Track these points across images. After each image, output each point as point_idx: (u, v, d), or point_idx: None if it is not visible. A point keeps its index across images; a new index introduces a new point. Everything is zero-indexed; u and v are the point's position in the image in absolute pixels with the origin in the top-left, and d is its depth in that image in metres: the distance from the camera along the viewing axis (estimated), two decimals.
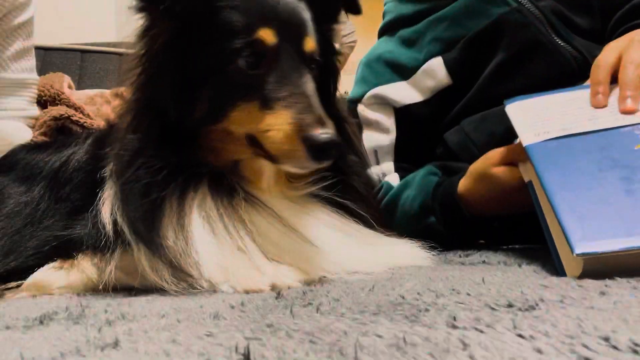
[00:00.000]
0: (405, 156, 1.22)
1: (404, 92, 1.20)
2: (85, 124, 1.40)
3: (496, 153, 0.87)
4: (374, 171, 1.21)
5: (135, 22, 0.71)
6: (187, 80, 0.69)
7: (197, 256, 0.66)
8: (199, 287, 0.66)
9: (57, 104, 1.44)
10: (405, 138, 1.21)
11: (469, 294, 0.50)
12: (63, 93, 1.47)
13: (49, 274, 0.72)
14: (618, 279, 0.55)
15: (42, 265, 0.73)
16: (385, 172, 1.22)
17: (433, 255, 0.87)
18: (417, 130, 1.20)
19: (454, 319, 0.39)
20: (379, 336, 0.36)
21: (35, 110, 1.44)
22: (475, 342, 0.33)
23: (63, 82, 1.57)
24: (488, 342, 0.33)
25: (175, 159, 0.69)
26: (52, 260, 0.73)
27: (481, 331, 0.36)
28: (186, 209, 0.68)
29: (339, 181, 0.80)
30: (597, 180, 0.61)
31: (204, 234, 0.67)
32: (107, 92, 1.74)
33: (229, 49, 0.66)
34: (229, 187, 0.72)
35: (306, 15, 0.73)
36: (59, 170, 0.87)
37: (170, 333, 0.41)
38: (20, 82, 1.41)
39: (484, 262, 0.84)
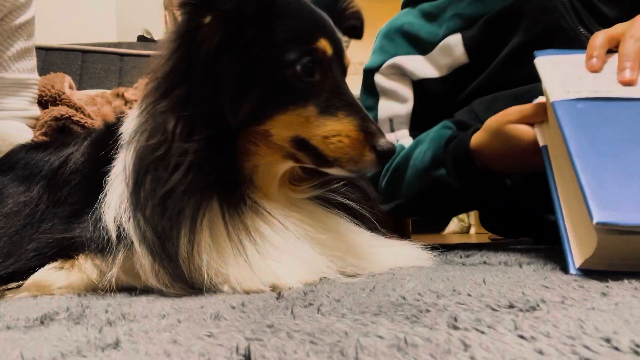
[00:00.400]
0: (420, 127, 1.21)
1: (421, 67, 1.20)
2: (86, 124, 1.40)
3: (514, 110, 0.84)
4: (388, 139, 1.20)
5: (175, 21, 0.70)
6: (236, 81, 0.68)
7: (200, 259, 0.66)
8: (198, 288, 0.66)
9: (57, 104, 1.45)
10: (422, 109, 1.21)
11: (469, 295, 0.50)
12: (64, 93, 1.48)
13: (50, 274, 0.72)
14: (619, 280, 0.55)
15: (43, 266, 0.73)
16: (399, 138, 1.22)
17: (434, 255, 0.87)
18: (432, 104, 1.19)
19: (455, 319, 0.39)
20: (380, 337, 0.36)
21: (36, 111, 1.45)
22: (476, 343, 0.33)
23: (64, 82, 1.58)
24: (489, 343, 0.33)
25: (211, 163, 0.68)
26: (53, 261, 0.73)
27: (482, 332, 0.35)
28: (200, 217, 0.67)
29: (343, 184, 0.81)
30: (625, 150, 0.58)
31: (207, 236, 0.67)
32: (108, 92, 1.75)
33: (288, 55, 0.68)
34: (238, 190, 0.72)
35: (333, 24, 0.77)
36: (58, 171, 0.87)
37: (171, 333, 0.41)
38: (21, 82, 1.41)
39: (484, 262, 0.84)
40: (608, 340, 0.32)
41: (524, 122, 0.82)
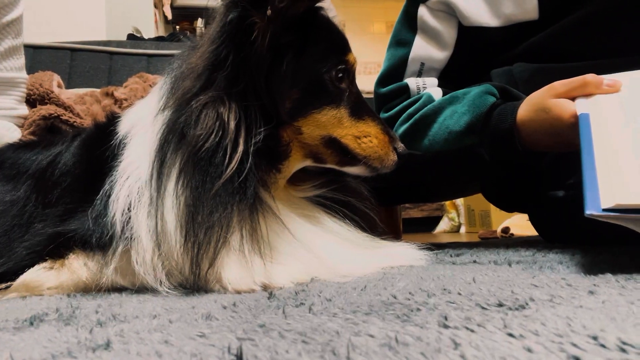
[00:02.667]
0: (452, 78, 1.12)
1: (477, 11, 1.05)
2: (75, 123, 1.38)
3: (561, 84, 0.80)
4: (411, 81, 1.12)
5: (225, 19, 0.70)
6: (286, 79, 0.72)
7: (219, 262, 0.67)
8: (189, 287, 0.66)
9: (46, 103, 1.43)
10: (460, 60, 1.10)
11: (460, 294, 0.51)
12: (52, 92, 1.46)
13: (39, 274, 0.71)
14: (607, 278, 0.56)
15: (35, 265, 0.72)
16: (427, 85, 1.11)
17: (425, 255, 0.87)
18: (474, 56, 1.08)
19: (445, 318, 0.40)
20: (371, 336, 0.36)
21: (25, 110, 1.43)
22: (466, 342, 0.33)
23: (52, 81, 1.56)
24: (479, 341, 0.33)
25: (266, 160, 0.72)
26: (44, 261, 0.72)
27: (472, 330, 0.36)
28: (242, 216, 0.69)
29: (342, 185, 0.85)
30: None
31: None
32: (97, 91, 1.73)
33: (327, 62, 0.76)
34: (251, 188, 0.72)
35: None
36: (46, 170, 0.87)
37: (162, 334, 0.41)
38: (9, 81, 1.39)
39: (474, 261, 0.85)
40: (595, 338, 0.32)
41: (569, 96, 0.78)
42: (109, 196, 0.72)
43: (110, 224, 0.70)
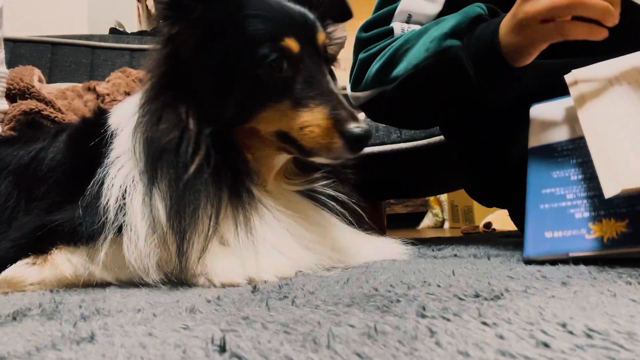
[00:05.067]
0: None
1: None
2: (56, 118, 1.37)
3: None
4: (397, 25, 1.07)
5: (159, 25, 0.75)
6: (215, 83, 0.73)
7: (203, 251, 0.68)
8: (176, 279, 0.67)
9: (27, 98, 1.41)
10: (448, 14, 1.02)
11: (439, 286, 0.52)
12: (33, 87, 1.44)
13: (22, 270, 0.71)
14: (580, 270, 0.58)
15: (21, 258, 0.72)
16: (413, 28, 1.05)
17: (408, 249, 0.89)
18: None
19: (424, 308, 0.41)
20: (352, 326, 0.37)
21: (4, 105, 1.41)
22: (442, 330, 0.34)
23: (33, 76, 1.54)
24: (454, 329, 0.34)
25: (223, 157, 0.73)
26: (27, 256, 0.72)
27: (448, 319, 0.37)
28: (216, 206, 0.70)
29: (332, 181, 0.84)
30: None
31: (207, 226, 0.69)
32: (79, 85, 1.71)
33: (257, 55, 0.71)
34: (243, 181, 0.74)
35: (311, 14, 0.78)
36: (28, 166, 0.86)
37: (146, 327, 0.42)
38: None
39: (455, 255, 0.87)
40: (564, 325, 0.34)
41: (548, 15, 0.72)
42: (102, 184, 0.73)
43: (104, 210, 0.70)
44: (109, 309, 0.52)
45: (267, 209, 0.75)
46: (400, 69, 0.96)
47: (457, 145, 1.19)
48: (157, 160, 0.70)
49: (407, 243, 0.91)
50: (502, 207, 1.30)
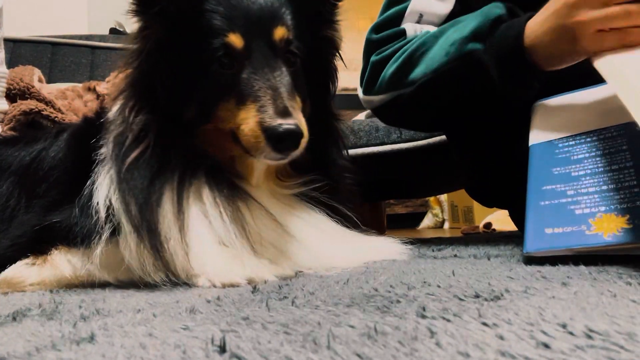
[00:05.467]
0: None
1: None
2: (56, 118, 1.37)
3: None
4: (409, 26, 1.04)
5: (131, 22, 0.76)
6: (177, 81, 0.73)
7: (187, 247, 0.68)
8: (176, 279, 0.67)
9: (27, 98, 1.41)
10: (461, 14, 0.99)
11: (439, 286, 0.52)
12: (33, 87, 1.44)
13: (21, 270, 0.71)
14: (580, 270, 0.58)
15: (20, 258, 0.72)
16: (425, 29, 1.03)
17: (408, 249, 0.89)
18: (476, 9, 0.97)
19: (424, 309, 0.41)
20: (352, 326, 0.37)
21: (4, 105, 1.41)
22: (442, 330, 0.34)
23: (33, 76, 1.54)
24: (454, 330, 0.34)
25: (175, 149, 0.73)
26: (26, 256, 0.72)
27: (448, 320, 0.37)
28: (184, 200, 0.71)
29: (328, 183, 0.83)
30: None
31: (198, 227, 0.70)
32: (78, 85, 1.71)
33: (208, 51, 0.70)
34: (226, 181, 0.75)
35: (280, 8, 0.75)
36: (30, 166, 0.86)
37: (146, 327, 0.42)
38: None
39: (455, 255, 0.86)
40: (564, 326, 0.34)
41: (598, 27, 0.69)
42: (94, 183, 0.73)
43: (95, 210, 0.70)
44: (108, 309, 0.52)
45: (263, 209, 0.74)
46: (418, 72, 0.94)
47: (458, 143, 1.19)
48: (119, 158, 0.72)
49: (407, 243, 0.91)
50: (502, 207, 1.30)
